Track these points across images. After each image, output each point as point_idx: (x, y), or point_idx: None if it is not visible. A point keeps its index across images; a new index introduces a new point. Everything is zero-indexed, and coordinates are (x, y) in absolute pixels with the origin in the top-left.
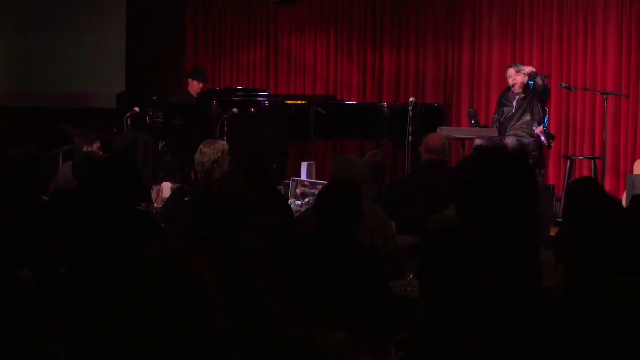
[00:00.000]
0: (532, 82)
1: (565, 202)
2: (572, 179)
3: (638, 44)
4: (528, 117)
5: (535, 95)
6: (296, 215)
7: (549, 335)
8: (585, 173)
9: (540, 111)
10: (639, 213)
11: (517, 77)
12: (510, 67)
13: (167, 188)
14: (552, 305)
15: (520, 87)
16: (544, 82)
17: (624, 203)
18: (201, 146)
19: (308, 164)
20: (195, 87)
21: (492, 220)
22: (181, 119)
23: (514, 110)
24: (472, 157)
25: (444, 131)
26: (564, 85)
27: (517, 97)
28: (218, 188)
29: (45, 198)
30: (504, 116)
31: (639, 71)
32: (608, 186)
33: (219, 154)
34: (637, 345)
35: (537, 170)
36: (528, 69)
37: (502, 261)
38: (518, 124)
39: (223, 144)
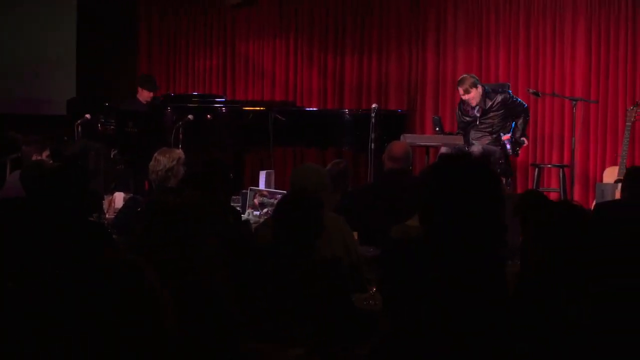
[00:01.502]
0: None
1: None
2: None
3: (607, 49)
4: (491, 128)
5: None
6: (254, 225)
7: (516, 343)
8: (554, 181)
9: (505, 120)
10: (603, 220)
11: (468, 95)
12: (458, 85)
13: (119, 198)
14: (518, 314)
15: (477, 102)
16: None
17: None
18: (156, 154)
19: (266, 172)
20: (144, 95)
21: (456, 229)
22: (134, 126)
23: (478, 122)
24: (434, 165)
25: (408, 138)
26: (531, 90)
27: (477, 108)
28: (172, 198)
29: None
30: (468, 125)
31: (609, 77)
32: (577, 195)
33: (174, 162)
34: (605, 350)
35: (504, 179)
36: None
37: (466, 271)
38: (483, 132)
39: (179, 152)
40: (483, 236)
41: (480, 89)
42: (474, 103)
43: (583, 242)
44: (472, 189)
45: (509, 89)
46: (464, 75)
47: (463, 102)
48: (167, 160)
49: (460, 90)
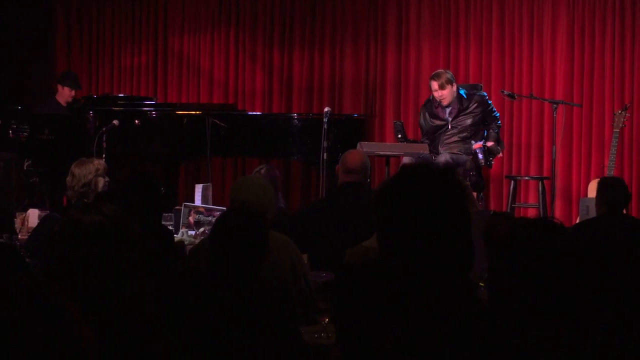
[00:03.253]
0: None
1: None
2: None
3: (592, 45)
4: (464, 133)
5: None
6: (188, 247)
7: None
8: (532, 195)
9: (477, 125)
10: (584, 241)
11: (443, 91)
12: (433, 78)
13: (33, 216)
14: (491, 343)
15: (449, 101)
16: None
17: None
18: (72, 166)
19: (203, 186)
20: (65, 94)
21: (419, 251)
22: (51, 133)
23: (448, 127)
24: (394, 177)
25: (365, 147)
26: (505, 92)
27: (448, 110)
28: (90, 216)
29: None
30: (435, 131)
31: (593, 76)
32: (558, 211)
33: (92, 175)
34: None
35: (475, 194)
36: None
37: (433, 298)
38: (452, 140)
39: (98, 163)
40: (451, 259)
41: (455, 87)
42: (445, 102)
43: (560, 269)
44: (437, 205)
45: (481, 90)
46: (440, 70)
47: (432, 102)
48: (84, 172)
49: (435, 85)
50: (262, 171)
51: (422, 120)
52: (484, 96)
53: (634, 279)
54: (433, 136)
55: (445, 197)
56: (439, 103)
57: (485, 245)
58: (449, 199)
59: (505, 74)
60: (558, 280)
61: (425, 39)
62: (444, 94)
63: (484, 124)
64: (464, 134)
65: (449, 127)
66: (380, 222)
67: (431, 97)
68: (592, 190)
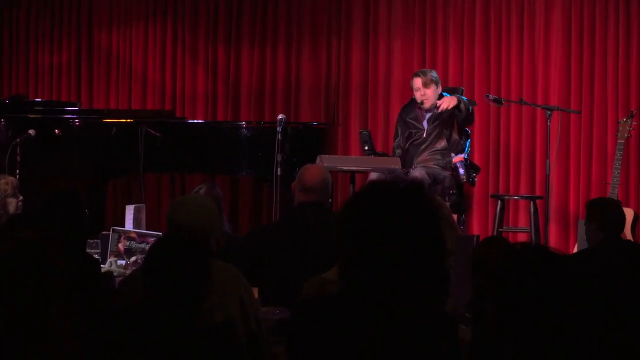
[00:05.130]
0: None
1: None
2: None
3: (592, 42)
4: (443, 143)
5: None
6: (118, 279)
7: None
8: (522, 216)
9: (459, 135)
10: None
11: (426, 90)
12: (417, 75)
13: None
14: None
15: (431, 103)
16: (469, 109)
17: None
18: None
19: (135, 207)
20: None
21: (387, 284)
22: None
23: (424, 135)
24: (358, 196)
25: (326, 161)
26: (491, 97)
27: (428, 116)
28: (1, 242)
29: None
30: (410, 141)
31: (594, 79)
32: (553, 237)
33: (2, 193)
34: None
35: (456, 215)
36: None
37: (401, 337)
38: (429, 152)
39: (8, 181)
40: (423, 291)
41: (439, 91)
42: (428, 104)
43: (558, 304)
44: (407, 228)
45: (462, 94)
46: (425, 69)
47: (414, 105)
48: None
49: (418, 82)
50: (202, 191)
51: (398, 129)
52: (467, 114)
53: None
54: (406, 145)
55: (416, 219)
56: (421, 104)
57: (473, 275)
58: (421, 221)
59: (491, 76)
60: (562, 320)
61: (396, 34)
62: (428, 94)
63: (460, 131)
64: (442, 145)
65: (424, 135)
66: (342, 249)
67: (412, 99)
68: None
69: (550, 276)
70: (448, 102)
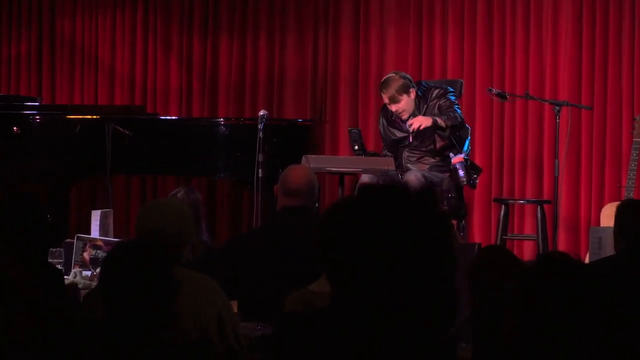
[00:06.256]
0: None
1: (471, 287)
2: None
3: (605, 32)
4: (437, 144)
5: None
6: (83, 292)
7: None
8: (528, 222)
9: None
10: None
11: (397, 105)
12: (381, 90)
13: None
14: None
15: (410, 113)
16: (456, 122)
17: None
18: None
19: (102, 212)
20: None
21: (380, 298)
22: None
23: (411, 139)
24: (348, 201)
25: (312, 162)
26: (494, 91)
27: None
28: None
29: None
30: (398, 145)
31: (607, 72)
32: (562, 244)
33: None
34: None
35: (454, 221)
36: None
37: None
38: (422, 152)
39: None
40: (423, 312)
41: (413, 94)
42: (405, 115)
43: (579, 318)
44: (405, 238)
45: (461, 87)
46: (390, 75)
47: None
48: None
49: (385, 98)
50: (179, 194)
51: (380, 128)
52: (447, 89)
53: None
54: (395, 149)
55: (420, 229)
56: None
57: (470, 289)
58: (425, 230)
59: (494, 68)
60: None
61: (389, 23)
62: (400, 108)
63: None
64: (431, 147)
65: (410, 139)
66: (331, 259)
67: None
68: (605, 217)
69: (580, 287)
70: (419, 122)
